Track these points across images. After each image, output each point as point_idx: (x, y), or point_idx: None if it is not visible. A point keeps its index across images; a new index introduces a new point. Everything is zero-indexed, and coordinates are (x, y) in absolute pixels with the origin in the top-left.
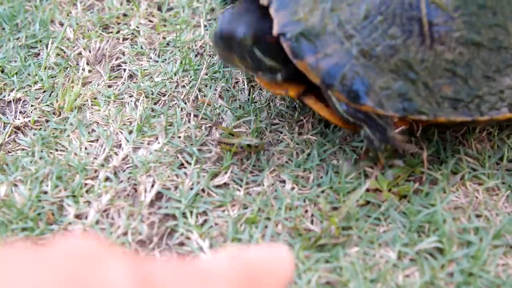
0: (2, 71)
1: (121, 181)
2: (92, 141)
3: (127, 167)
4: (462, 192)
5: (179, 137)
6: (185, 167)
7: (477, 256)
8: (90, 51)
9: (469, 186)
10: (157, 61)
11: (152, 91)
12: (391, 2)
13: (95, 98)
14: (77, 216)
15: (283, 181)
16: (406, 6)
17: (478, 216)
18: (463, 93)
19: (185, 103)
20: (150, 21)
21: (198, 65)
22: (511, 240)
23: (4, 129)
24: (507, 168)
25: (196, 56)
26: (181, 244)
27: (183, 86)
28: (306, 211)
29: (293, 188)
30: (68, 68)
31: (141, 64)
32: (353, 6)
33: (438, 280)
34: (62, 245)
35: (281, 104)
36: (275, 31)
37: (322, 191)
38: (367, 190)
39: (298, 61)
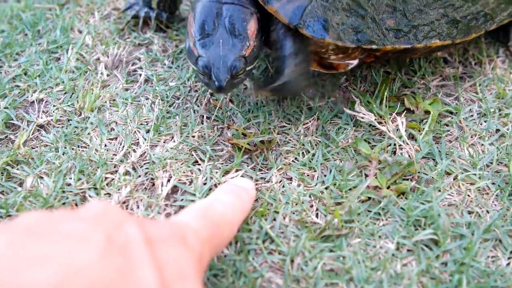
0: (26, 74)
1: (139, 176)
2: (112, 139)
3: (145, 163)
4: (455, 190)
5: (193, 136)
6: (199, 164)
7: (469, 248)
8: (108, 57)
9: (462, 185)
10: (171, 67)
11: (167, 94)
12: None
13: (114, 100)
14: None
15: (290, 178)
16: None
17: (470, 212)
18: (402, 24)
19: (198, 106)
20: (164, 30)
21: None
22: (500, 234)
23: (28, 127)
24: (496, 170)
25: None
26: None
27: (196, 91)
28: (311, 205)
29: (299, 185)
30: (88, 72)
31: (156, 70)
32: None
33: (433, 269)
34: (93, 207)
35: (288, 108)
36: None
37: (326, 188)
38: (368, 187)
39: (267, 6)
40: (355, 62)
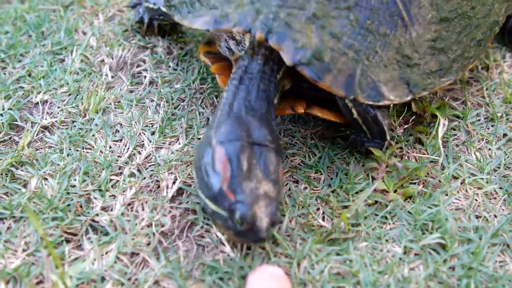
0: (30, 75)
1: (144, 178)
2: (117, 141)
3: (150, 165)
4: (462, 195)
5: (199, 138)
6: None
7: (477, 253)
8: (112, 59)
9: (469, 189)
10: (175, 69)
11: (172, 96)
12: (372, 4)
13: (119, 102)
14: (104, 209)
15: (296, 181)
16: (385, 4)
17: (477, 216)
18: (444, 63)
19: (203, 108)
20: (168, 33)
21: None
22: (508, 239)
23: (32, 128)
24: (504, 174)
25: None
26: (201, 236)
27: (201, 93)
28: (318, 208)
29: (305, 188)
30: (92, 74)
31: (161, 72)
32: (341, 18)
33: (440, 273)
34: None
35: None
36: (288, 62)
37: (333, 191)
38: (375, 190)
39: (319, 82)
40: None
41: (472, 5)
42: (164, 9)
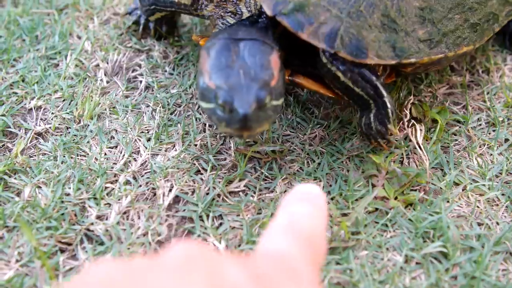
0: (23, 80)
1: (140, 185)
2: (112, 148)
3: (146, 172)
4: (464, 201)
5: (196, 145)
6: (202, 173)
7: (479, 261)
8: (107, 63)
9: (471, 196)
10: (172, 74)
11: (168, 101)
12: None
13: (114, 107)
14: (99, 217)
15: None
16: None
17: (479, 224)
18: (433, 34)
19: (200, 114)
20: (164, 37)
21: None
22: (511, 247)
23: (25, 135)
24: (506, 180)
25: None
26: None
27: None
28: None
29: None
30: (87, 79)
31: (157, 77)
32: None
33: (442, 283)
34: (176, 253)
35: (292, 117)
36: (269, 12)
37: (332, 198)
38: (375, 198)
39: (300, 33)
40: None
41: None
42: None
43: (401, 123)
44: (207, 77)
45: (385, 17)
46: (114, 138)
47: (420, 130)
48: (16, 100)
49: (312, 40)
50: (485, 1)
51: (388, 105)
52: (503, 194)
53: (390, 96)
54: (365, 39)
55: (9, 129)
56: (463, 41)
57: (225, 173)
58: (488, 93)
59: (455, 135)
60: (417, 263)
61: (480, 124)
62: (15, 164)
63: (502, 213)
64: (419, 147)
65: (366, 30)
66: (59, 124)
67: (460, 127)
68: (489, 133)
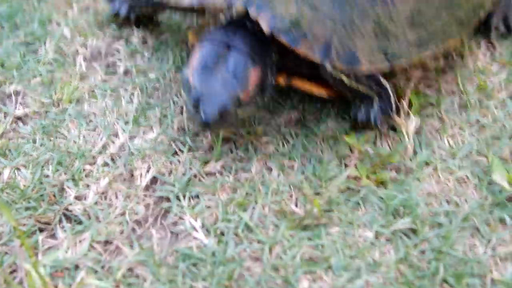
0: (2, 66)
1: (118, 167)
2: (90, 130)
3: (124, 154)
4: (434, 180)
5: (173, 127)
6: (178, 155)
7: (447, 237)
8: (86, 49)
9: (441, 175)
10: (150, 59)
11: (146, 86)
12: None
13: (93, 91)
14: (77, 198)
15: (270, 169)
16: None
17: (448, 202)
18: (422, 35)
19: (178, 97)
20: (144, 24)
21: None
22: (477, 223)
23: (5, 119)
24: (476, 160)
25: (188, 54)
26: (175, 223)
27: (176, 82)
28: (291, 195)
29: (279, 175)
30: (66, 64)
31: (136, 62)
32: None
33: (411, 257)
34: None
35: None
36: (266, 29)
37: (306, 178)
38: (348, 177)
39: (296, 48)
40: None
41: None
42: None
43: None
44: (190, 73)
45: (377, 24)
46: (92, 121)
47: (416, 121)
48: None
49: (308, 54)
50: None
51: (391, 95)
52: (472, 173)
53: (391, 87)
54: (358, 47)
55: None
56: (450, 35)
57: (201, 154)
58: (461, 76)
59: (428, 117)
60: (386, 239)
61: (453, 107)
62: None
63: (471, 191)
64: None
65: (359, 38)
66: (38, 109)
67: (433, 109)
68: (461, 115)
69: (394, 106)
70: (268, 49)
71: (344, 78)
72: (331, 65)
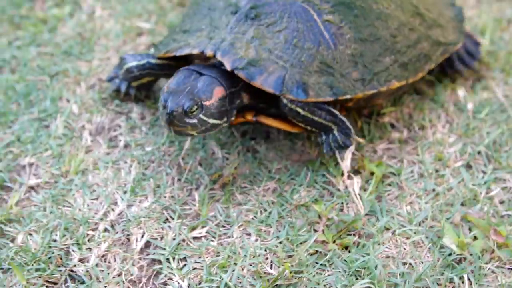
0: (19, 140)
1: (117, 232)
2: (93, 199)
3: (122, 221)
4: (393, 244)
5: (165, 196)
6: (169, 221)
7: None
8: (92, 124)
9: (399, 239)
10: (147, 134)
11: (143, 158)
12: (298, 27)
13: (96, 164)
14: (81, 260)
15: (249, 234)
16: (309, 27)
17: (404, 263)
18: (365, 74)
19: (171, 169)
20: (142, 100)
21: (183, 137)
22: (429, 283)
23: (20, 188)
24: (430, 225)
25: None
26: (165, 284)
27: (169, 155)
28: (267, 258)
29: (256, 240)
30: (73, 138)
31: (134, 136)
32: (274, 38)
33: None
34: None
35: (249, 172)
36: (228, 68)
37: (280, 242)
38: (316, 241)
39: (253, 82)
40: None
41: (394, 34)
42: (153, 61)
43: (342, 175)
44: (165, 86)
45: (323, 64)
46: (95, 191)
47: (358, 182)
48: (12, 157)
49: (262, 87)
50: (414, 45)
51: (345, 120)
52: (427, 237)
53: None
54: (306, 82)
55: (6, 184)
56: (394, 78)
57: (190, 221)
58: (421, 148)
59: (389, 185)
60: None
61: (413, 176)
62: (10, 214)
63: (425, 254)
64: (356, 196)
65: (307, 75)
66: (48, 179)
67: (394, 178)
68: (420, 184)
69: (351, 128)
70: (235, 83)
71: (299, 110)
72: (285, 97)
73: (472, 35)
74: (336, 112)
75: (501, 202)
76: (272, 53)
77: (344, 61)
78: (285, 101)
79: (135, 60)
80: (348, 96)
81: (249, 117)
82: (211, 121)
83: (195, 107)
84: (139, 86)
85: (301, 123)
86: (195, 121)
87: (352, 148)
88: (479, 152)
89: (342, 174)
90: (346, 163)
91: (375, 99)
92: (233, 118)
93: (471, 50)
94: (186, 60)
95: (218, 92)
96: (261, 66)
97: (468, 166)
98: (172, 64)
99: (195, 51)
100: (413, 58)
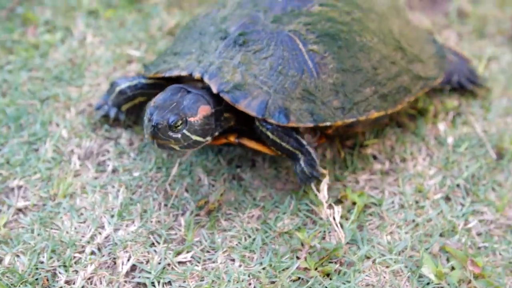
0: (8, 162)
1: (103, 255)
2: (81, 222)
3: (109, 244)
4: (373, 272)
5: (152, 221)
6: (155, 246)
7: None
8: (81, 149)
9: (379, 268)
10: (135, 159)
11: (131, 183)
12: (284, 55)
13: (84, 188)
14: (67, 282)
15: (233, 260)
16: (294, 56)
17: None
18: (345, 103)
19: (157, 195)
20: (131, 126)
21: (170, 164)
22: None
23: (8, 210)
24: (410, 255)
25: (168, 156)
26: None
27: (156, 181)
28: (250, 283)
29: (240, 265)
30: (62, 162)
31: (122, 161)
32: (260, 64)
33: None
34: None
35: (234, 199)
36: (214, 91)
37: (263, 268)
38: (298, 268)
39: (237, 104)
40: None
41: (375, 66)
42: (143, 81)
43: (323, 204)
44: (152, 101)
45: (305, 91)
46: (83, 214)
47: (338, 211)
48: (1, 180)
49: (246, 110)
50: (394, 78)
51: (311, 150)
52: (406, 267)
53: (310, 145)
54: (288, 108)
55: None
56: (373, 108)
57: (175, 245)
58: (402, 179)
59: (371, 215)
60: None
61: (393, 206)
62: None
63: (404, 283)
64: (337, 225)
65: (289, 101)
66: (37, 201)
67: (375, 208)
68: (400, 214)
69: (316, 159)
70: (220, 103)
71: (269, 134)
72: (265, 121)
73: (464, 58)
74: (304, 142)
75: (478, 234)
76: (257, 79)
77: (326, 89)
78: (257, 123)
79: (127, 81)
80: (328, 123)
81: (232, 138)
82: (194, 137)
83: (180, 122)
84: (130, 109)
85: (271, 146)
86: (179, 135)
87: (327, 180)
88: (458, 185)
89: (323, 204)
90: (323, 194)
91: (354, 127)
92: (216, 134)
93: (467, 71)
94: (176, 81)
95: (204, 110)
96: (245, 90)
97: (447, 198)
98: (163, 84)
99: (184, 73)
100: (393, 90)
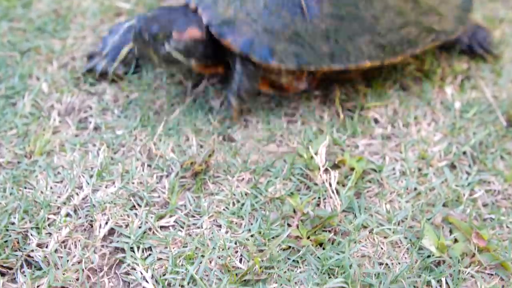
0: None
1: (80, 217)
2: (57, 182)
3: (86, 206)
4: (369, 243)
5: (133, 182)
6: (136, 209)
7: None
8: (61, 104)
9: (376, 238)
10: (119, 117)
11: (113, 142)
12: None
13: (63, 145)
14: (39, 245)
15: (219, 226)
16: None
17: (381, 264)
18: (336, 49)
19: (141, 154)
20: (116, 81)
21: (156, 122)
22: (406, 285)
23: None
24: (410, 225)
25: (154, 114)
26: (127, 273)
27: (141, 140)
28: (236, 251)
29: (227, 232)
30: (41, 118)
31: (106, 118)
32: (254, 2)
33: None
34: None
35: (224, 161)
36: (204, 21)
37: (251, 235)
38: (289, 236)
39: (223, 39)
40: (302, 85)
41: (376, 16)
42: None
43: (319, 168)
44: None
45: (294, 33)
46: (60, 173)
47: (335, 176)
48: None
49: (231, 45)
50: (398, 29)
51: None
52: (405, 237)
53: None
54: (273, 48)
55: None
56: (367, 58)
57: (157, 209)
58: (405, 145)
59: (369, 182)
60: None
61: (394, 173)
62: None
63: (403, 254)
64: (332, 192)
65: (276, 41)
66: (11, 159)
67: (374, 175)
68: (401, 182)
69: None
70: (212, 35)
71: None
72: (248, 57)
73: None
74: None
75: (485, 205)
76: (248, 16)
77: (317, 34)
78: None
79: (127, 22)
80: (313, 68)
81: (220, 69)
82: (175, 54)
83: (161, 35)
84: (127, 58)
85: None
86: (159, 47)
87: (326, 142)
88: (464, 153)
89: (319, 168)
90: (320, 157)
91: (346, 74)
92: (205, 63)
93: (481, 36)
94: None
95: (191, 31)
96: (235, 26)
97: (452, 166)
98: None
99: (181, 2)
100: (393, 41)
